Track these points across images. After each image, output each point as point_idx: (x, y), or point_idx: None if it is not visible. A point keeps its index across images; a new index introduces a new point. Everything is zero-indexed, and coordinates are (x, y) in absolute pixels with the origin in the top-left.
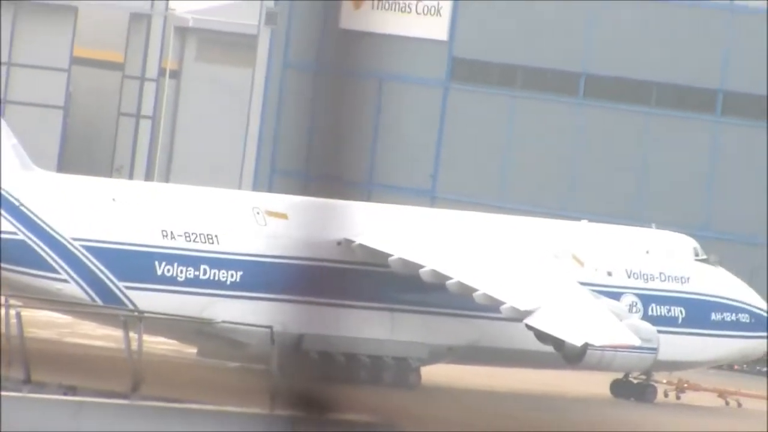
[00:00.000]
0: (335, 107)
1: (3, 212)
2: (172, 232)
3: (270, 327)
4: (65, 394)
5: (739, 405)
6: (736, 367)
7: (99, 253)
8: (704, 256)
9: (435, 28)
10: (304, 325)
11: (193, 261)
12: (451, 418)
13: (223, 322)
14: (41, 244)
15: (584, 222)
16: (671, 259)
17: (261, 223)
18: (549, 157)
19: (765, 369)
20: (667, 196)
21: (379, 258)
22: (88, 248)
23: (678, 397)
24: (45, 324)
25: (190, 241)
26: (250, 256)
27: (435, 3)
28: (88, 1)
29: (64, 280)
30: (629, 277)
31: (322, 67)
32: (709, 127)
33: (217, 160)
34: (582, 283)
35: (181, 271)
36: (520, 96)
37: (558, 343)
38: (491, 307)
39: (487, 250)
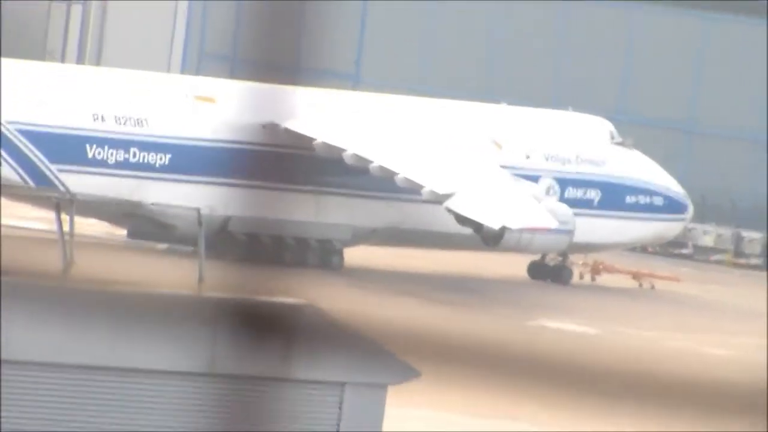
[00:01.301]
0: None
1: None
2: (102, 116)
3: (197, 209)
4: None
5: (653, 287)
6: (650, 249)
7: (31, 136)
8: (620, 140)
9: None
10: (230, 207)
11: (123, 144)
12: (371, 299)
13: (152, 204)
14: None
15: (503, 105)
16: (587, 142)
17: (189, 106)
18: (468, 44)
19: (680, 251)
20: (583, 81)
21: (303, 142)
22: (20, 131)
23: (593, 279)
24: None
25: (120, 124)
26: (178, 139)
27: None
28: None
29: None
30: (546, 160)
31: None
32: (625, 15)
33: (147, 44)
34: (500, 166)
35: (112, 154)
36: None
37: (477, 226)
38: (412, 190)
39: (409, 134)
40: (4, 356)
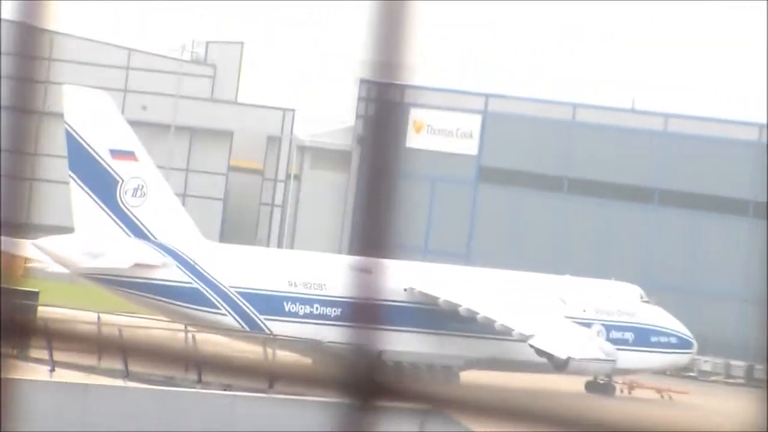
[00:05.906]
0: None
1: (183, 269)
2: (295, 282)
3: None
4: (224, 389)
5: (670, 398)
6: (668, 372)
7: (247, 296)
8: (647, 299)
9: (468, 146)
10: (383, 344)
11: (309, 301)
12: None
13: (329, 342)
14: (209, 290)
15: (567, 276)
16: (624, 300)
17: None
18: (545, 234)
19: (688, 374)
20: (621, 260)
21: (431, 300)
22: (240, 293)
23: (630, 393)
24: (211, 343)
25: (307, 288)
26: (346, 297)
27: (469, 129)
28: (240, 127)
29: (224, 314)
30: (597, 312)
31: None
32: (647, 217)
33: (325, 234)
34: (565, 317)
35: (301, 308)
36: (524, 192)
37: (550, 357)
38: (506, 332)
39: (504, 294)
40: None
